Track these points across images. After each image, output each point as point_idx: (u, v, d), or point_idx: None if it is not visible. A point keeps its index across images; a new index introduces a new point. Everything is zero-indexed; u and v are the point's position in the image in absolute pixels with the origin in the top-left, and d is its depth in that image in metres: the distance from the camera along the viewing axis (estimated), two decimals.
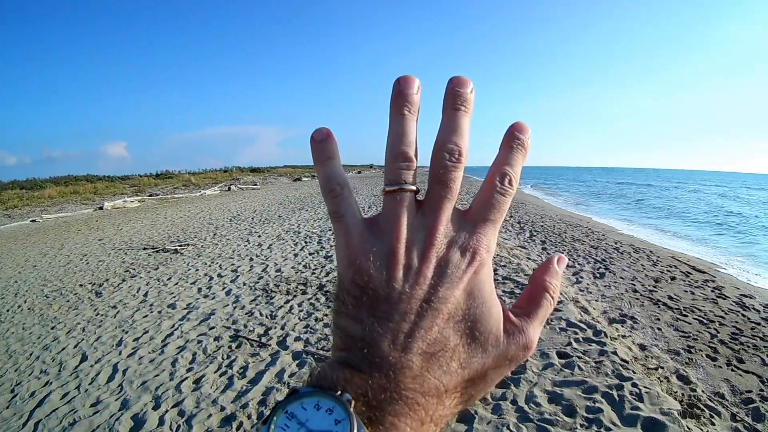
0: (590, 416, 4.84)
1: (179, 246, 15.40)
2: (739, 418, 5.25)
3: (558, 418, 4.82)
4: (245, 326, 7.83)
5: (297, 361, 6.44)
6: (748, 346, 7.33)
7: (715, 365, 6.65)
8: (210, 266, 12.30)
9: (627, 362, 5.99)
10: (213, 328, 7.85)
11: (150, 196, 39.47)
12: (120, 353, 7.02)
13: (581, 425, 4.71)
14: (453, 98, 0.55)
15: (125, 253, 14.78)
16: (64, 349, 7.33)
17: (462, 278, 0.50)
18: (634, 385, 5.37)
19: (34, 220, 25.82)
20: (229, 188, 49.03)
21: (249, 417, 5.14)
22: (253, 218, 22.47)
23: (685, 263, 13.18)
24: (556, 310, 7.80)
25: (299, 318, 8.08)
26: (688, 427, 4.69)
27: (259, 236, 16.91)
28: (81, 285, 11.13)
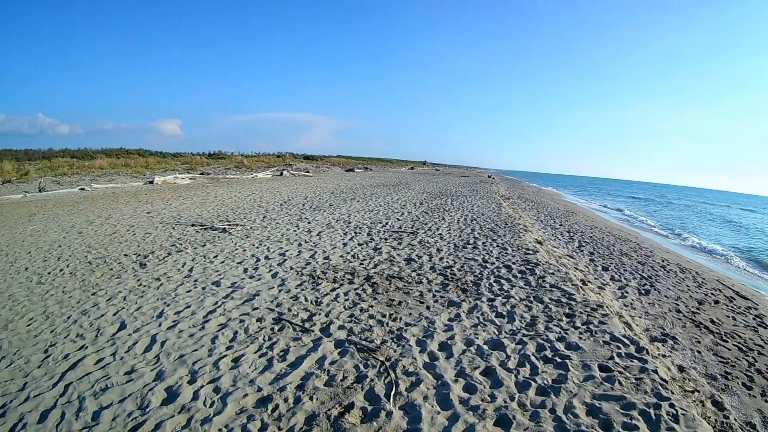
0: None
1: (228, 225, 15.58)
2: None
3: (594, 431, 4.78)
4: (289, 310, 7.87)
5: (339, 350, 6.46)
6: None
7: (750, 394, 6.58)
8: (258, 248, 12.42)
9: (666, 381, 5.91)
10: (256, 308, 7.90)
11: (201, 174, 39.72)
12: (160, 325, 7.11)
13: None
14: None
15: (173, 228, 15.00)
16: (102, 315, 7.43)
17: None
18: (672, 405, 5.28)
19: (83, 189, 26.19)
20: (282, 173, 49.32)
21: (286, 400, 5.16)
22: (303, 204, 22.59)
23: (730, 288, 13.05)
24: (600, 322, 7.76)
25: (344, 307, 8.12)
26: None
27: (309, 223, 17.04)
28: (125, 255, 11.31)
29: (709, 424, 5.26)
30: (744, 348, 8.32)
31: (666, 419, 4.99)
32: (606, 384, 5.73)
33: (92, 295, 8.40)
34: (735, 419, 5.69)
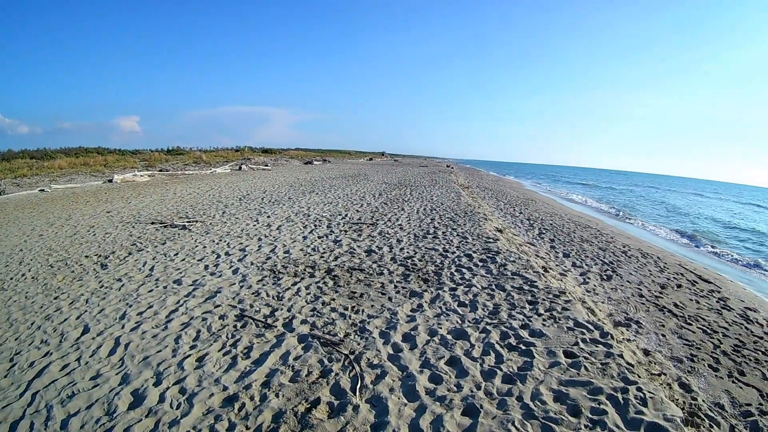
0: (595, 417, 4.81)
1: (188, 222, 15.48)
2: (737, 431, 5.27)
3: (563, 417, 4.80)
4: (251, 306, 7.83)
5: (303, 345, 6.44)
6: (750, 359, 7.35)
7: (716, 376, 6.69)
8: (218, 244, 12.38)
9: (632, 366, 5.97)
10: (218, 306, 7.85)
11: (160, 171, 39.38)
12: (123, 327, 7.02)
13: (586, 426, 4.69)
14: None
15: (133, 227, 14.81)
16: (66, 320, 7.32)
17: None
18: (639, 389, 5.34)
19: (43, 190, 25.74)
20: (240, 167, 48.99)
21: (252, 398, 5.12)
22: (262, 198, 22.52)
23: (692, 272, 13.23)
24: (563, 309, 7.86)
25: (306, 301, 8.10)
26: None
27: (269, 217, 16.98)
28: (86, 256, 11.14)
29: (677, 406, 5.32)
30: (708, 330, 8.45)
31: (634, 403, 5.04)
32: (572, 370, 5.79)
33: (55, 299, 8.29)
34: (703, 400, 5.78)
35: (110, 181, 30.77)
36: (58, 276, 9.57)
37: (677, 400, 5.60)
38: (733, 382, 6.54)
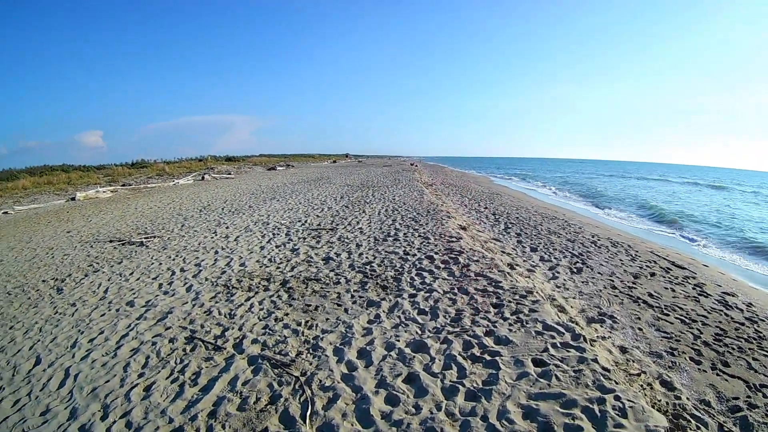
0: None
1: (145, 238, 15.12)
2: (726, 429, 4.97)
3: None
4: (202, 326, 7.55)
5: (252, 367, 6.15)
6: (733, 348, 7.11)
7: (699, 369, 6.43)
8: (174, 260, 12.06)
9: (608, 371, 5.65)
10: (169, 328, 7.56)
11: (123, 185, 38.86)
12: (73, 356, 6.72)
13: None
14: None
15: (91, 246, 14.42)
16: (19, 351, 7.01)
17: None
18: (617, 398, 5.02)
19: (6, 212, 25.17)
20: (203, 177, 48.70)
21: (197, 430, 4.84)
22: (223, 209, 22.27)
23: (665, 258, 13.08)
24: (531, 310, 7.57)
25: (259, 318, 7.83)
26: None
27: (227, 228, 16.73)
28: (44, 281, 10.76)
29: (660, 411, 5.08)
30: (687, 320, 8.24)
31: (612, 414, 4.75)
32: (542, 381, 5.48)
33: (10, 329, 7.95)
34: (687, 398, 5.53)
35: (73, 199, 30.29)
36: (15, 303, 9.21)
37: (659, 401, 5.34)
38: (717, 374, 6.32)
